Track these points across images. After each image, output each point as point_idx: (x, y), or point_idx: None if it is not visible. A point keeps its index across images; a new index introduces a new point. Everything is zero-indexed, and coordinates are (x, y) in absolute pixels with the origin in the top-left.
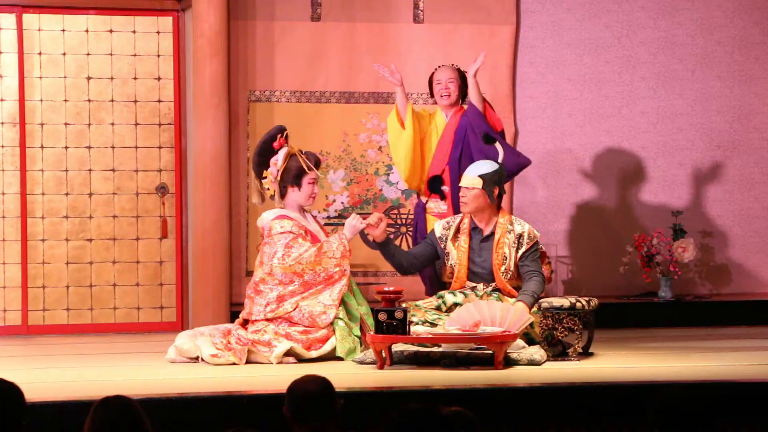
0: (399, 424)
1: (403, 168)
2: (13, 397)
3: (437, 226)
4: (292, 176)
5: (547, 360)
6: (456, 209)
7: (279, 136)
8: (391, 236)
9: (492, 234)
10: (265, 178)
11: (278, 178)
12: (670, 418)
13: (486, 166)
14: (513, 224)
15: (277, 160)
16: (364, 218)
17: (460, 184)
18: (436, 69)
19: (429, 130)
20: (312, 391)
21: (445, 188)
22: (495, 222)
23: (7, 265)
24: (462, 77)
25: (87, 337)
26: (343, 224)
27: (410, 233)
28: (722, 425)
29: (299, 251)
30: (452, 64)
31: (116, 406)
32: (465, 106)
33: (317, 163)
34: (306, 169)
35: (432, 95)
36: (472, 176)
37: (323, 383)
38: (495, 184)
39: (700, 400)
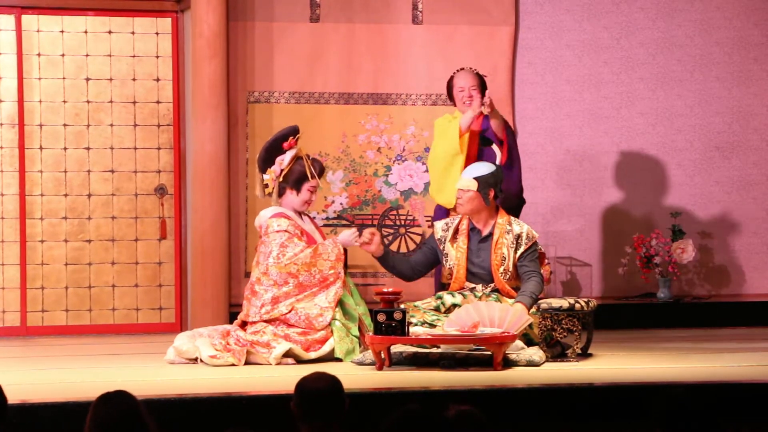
0: (398, 426)
1: (448, 188)
2: None
3: (437, 227)
4: (293, 180)
5: (546, 361)
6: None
7: (291, 137)
8: (390, 237)
9: (490, 234)
10: (268, 175)
11: (280, 178)
12: (673, 418)
13: (482, 168)
14: (512, 225)
15: (283, 160)
16: (360, 234)
17: (457, 186)
18: (455, 73)
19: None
20: (321, 389)
21: None
22: (493, 223)
23: (6, 266)
24: (482, 83)
25: (86, 338)
26: (341, 230)
27: (410, 234)
28: (722, 426)
29: (294, 251)
30: (471, 68)
31: (117, 402)
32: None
33: (321, 172)
34: (309, 176)
35: (451, 98)
36: (468, 178)
37: (333, 381)
38: (490, 187)
39: (702, 400)
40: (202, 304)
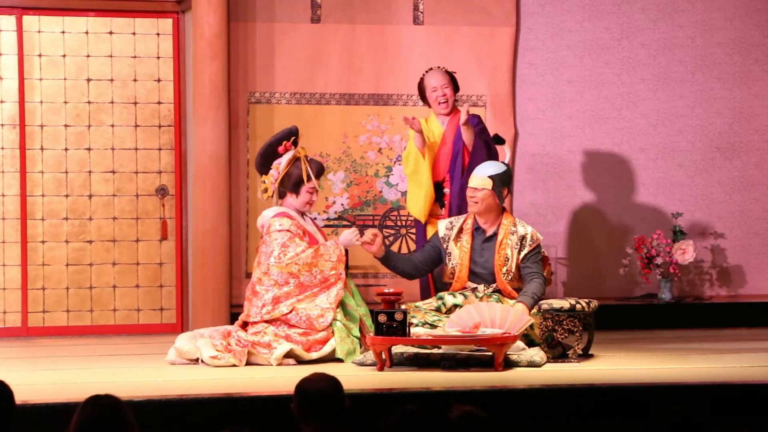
0: (397, 427)
1: (421, 206)
2: (2, 396)
3: (441, 226)
4: (291, 183)
5: (547, 362)
6: (453, 214)
7: (286, 141)
8: (391, 238)
9: (495, 235)
10: (266, 180)
11: (278, 181)
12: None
13: (494, 167)
14: (516, 226)
15: (280, 164)
16: (361, 233)
17: (469, 185)
18: (425, 73)
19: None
20: (321, 390)
21: (446, 190)
22: (498, 223)
23: (7, 267)
24: (453, 80)
25: (87, 339)
26: (342, 230)
27: (410, 235)
28: (723, 427)
29: (296, 251)
30: (439, 67)
31: (103, 404)
32: (459, 108)
33: (320, 172)
34: (305, 179)
35: (423, 100)
36: (482, 176)
37: (333, 382)
38: (504, 185)
39: (701, 413)
40: (203, 304)
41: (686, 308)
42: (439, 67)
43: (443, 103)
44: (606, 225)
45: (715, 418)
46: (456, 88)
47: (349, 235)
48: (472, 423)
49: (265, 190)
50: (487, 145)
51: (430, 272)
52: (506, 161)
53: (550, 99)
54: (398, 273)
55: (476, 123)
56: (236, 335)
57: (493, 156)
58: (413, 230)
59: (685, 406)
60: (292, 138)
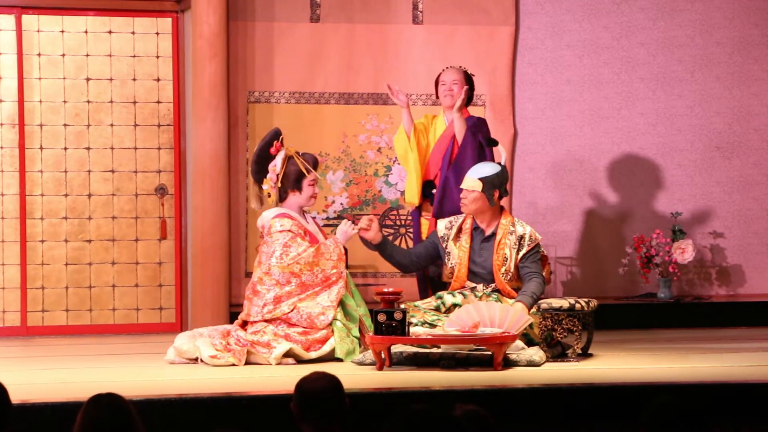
0: (406, 426)
1: (412, 189)
2: None
3: (440, 225)
4: (292, 181)
5: (547, 361)
6: (437, 213)
7: (275, 141)
8: (390, 237)
9: (493, 234)
10: (266, 185)
11: (278, 183)
12: (660, 424)
13: (487, 169)
14: (515, 226)
15: (276, 165)
16: (356, 223)
17: (461, 186)
18: (443, 70)
19: (428, 142)
20: (321, 389)
21: (434, 191)
22: (497, 223)
23: (7, 266)
24: (468, 80)
25: (86, 338)
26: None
27: (410, 234)
28: (723, 426)
29: (297, 251)
30: (460, 66)
31: (107, 404)
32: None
33: (315, 164)
34: (305, 172)
35: (437, 96)
36: (473, 179)
37: (332, 381)
38: (495, 187)
39: (689, 405)
40: (203, 304)
41: (685, 308)
42: (459, 67)
43: (448, 95)
44: (605, 224)
45: (714, 417)
46: (470, 88)
47: (343, 227)
48: (477, 422)
49: (269, 195)
50: (479, 145)
51: (425, 267)
52: (502, 162)
53: (550, 98)
54: (394, 264)
55: (474, 122)
56: (235, 334)
57: (483, 156)
58: (412, 230)
59: (673, 402)
60: (280, 137)
